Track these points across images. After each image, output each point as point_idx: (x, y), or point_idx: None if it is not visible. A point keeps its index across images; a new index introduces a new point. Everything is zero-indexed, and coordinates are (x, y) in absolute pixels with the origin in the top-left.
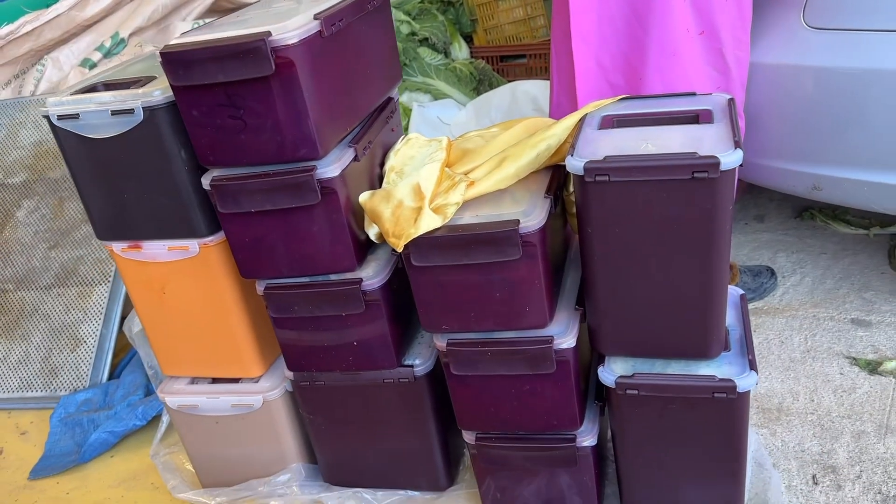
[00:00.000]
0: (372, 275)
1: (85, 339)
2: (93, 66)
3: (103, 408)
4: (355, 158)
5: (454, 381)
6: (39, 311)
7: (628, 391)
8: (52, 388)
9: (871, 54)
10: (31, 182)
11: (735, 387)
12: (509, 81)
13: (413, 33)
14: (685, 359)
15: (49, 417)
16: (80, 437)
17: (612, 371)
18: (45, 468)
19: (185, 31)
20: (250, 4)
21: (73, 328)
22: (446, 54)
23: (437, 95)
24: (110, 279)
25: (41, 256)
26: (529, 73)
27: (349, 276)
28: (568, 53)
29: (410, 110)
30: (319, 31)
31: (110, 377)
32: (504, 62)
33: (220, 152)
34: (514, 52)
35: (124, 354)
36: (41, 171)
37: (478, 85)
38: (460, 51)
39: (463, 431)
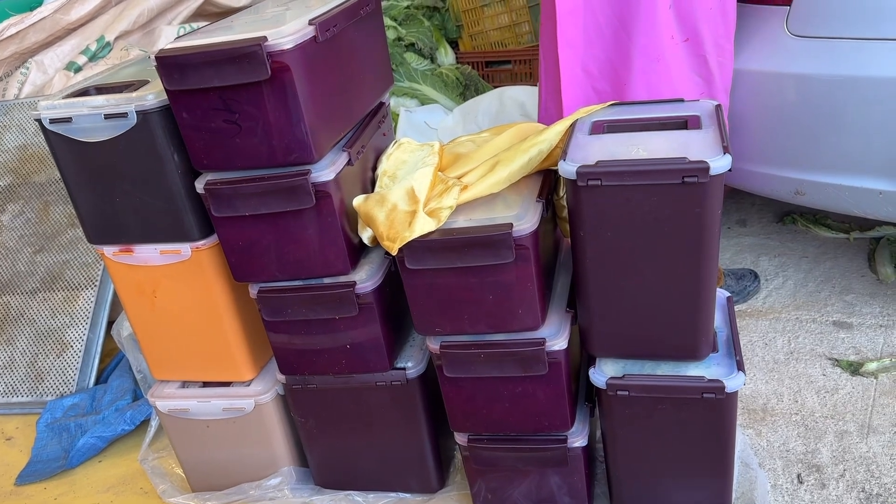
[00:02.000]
0: (365, 278)
1: (71, 343)
2: (78, 69)
3: (91, 413)
4: (349, 162)
5: (447, 384)
6: (25, 316)
7: (619, 392)
8: (37, 393)
9: (852, 62)
10: (15, 186)
11: (724, 387)
12: (495, 87)
13: (399, 38)
14: (675, 360)
15: (35, 423)
16: (67, 442)
17: (602, 372)
18: (33, 474)
19: (179, 36)
20: (236, 9)
21: (59, 333)
22: (432, 60)
23: (424, 100)
24: (97, 283)
25: (26, 261)
26: (514, 79)
27: (343, 279)
28: (555, 59)
29: (397, 115)
30: (314, 36)
31: (97, 382)
32: (489, 68)
33: (215, 156)
34: (500, 58)
35: (110, 359)
36: (26, 175)
37: (464, 90)
38: (446, 56)
39: (455, 433)
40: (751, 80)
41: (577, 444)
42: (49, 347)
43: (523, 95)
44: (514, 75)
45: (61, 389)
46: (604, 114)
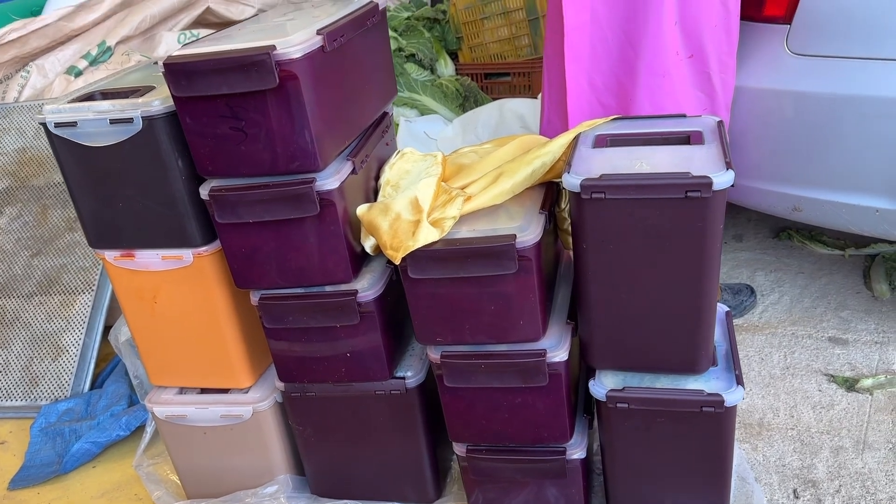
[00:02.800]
0: (367, 287)
1: (67, 348)
2: (78, 73)
3: (85, 418)
4: (353, 171)
5: (447, 393)
6: (21, 320)
7: (619, 404)
8: (32, 397)
9: (851, 81)
10: (13, 189)
11: (723, 401)
12: (493, 99)
13: (400, 49)
14: (674, 373)
15: (29, 427)
16: (61, 447)
17: (602, 384)
18: (26, 478)
19: (186, 43)
20: (236, 20)
21: (55, 337)
22: (432, 70)
23: (424, 111)
24: (94, 288)
25: (23, 264)
26: (513, 91)
27: (344, 287)
28: (560, 73)
29: (397, 125)
30: (322, 46)
31: (92, 387)
32: (488, 80)
33: (220, 163)
34: (499, 70)
35: (106, 364)
36: (24, 179)
37: (463, 101)
38: (446, 67)
39: (453, 443)
40: (751, 97)
41: (575, 456)
42: (44, 351)
43: (523, 108)
44: (513, 87)
45: (56, 394)
46: (607, 128)
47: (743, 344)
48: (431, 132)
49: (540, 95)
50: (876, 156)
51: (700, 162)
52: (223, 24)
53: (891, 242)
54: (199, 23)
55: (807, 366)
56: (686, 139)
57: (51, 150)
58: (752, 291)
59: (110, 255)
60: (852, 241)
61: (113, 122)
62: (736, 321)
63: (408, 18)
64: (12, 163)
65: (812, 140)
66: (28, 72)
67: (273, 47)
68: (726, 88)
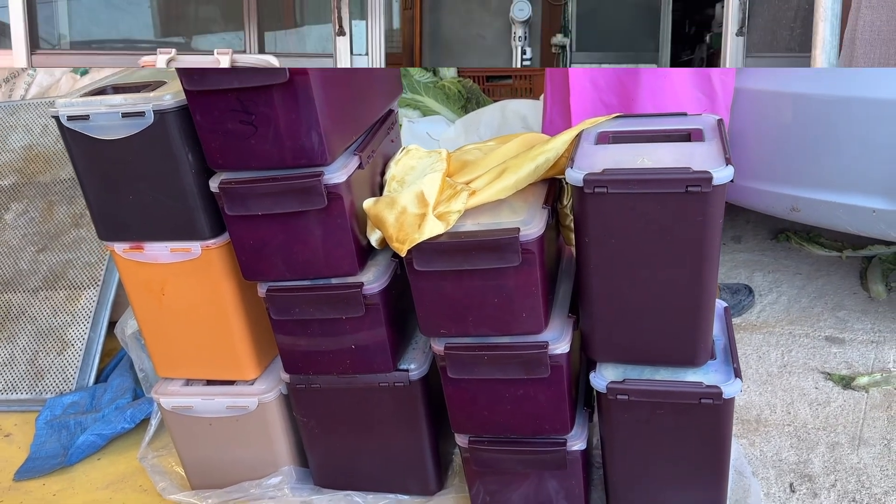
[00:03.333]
0: (372, 279)
1: (72, 342)
2: (84, 72)
3: (90, 410)
4: (360, 166)
5: (450, 385)
6: (26, 314)
7: (619, 396)
8: (37, 390)
9: (848, 83)
10: (20, 185)
11: (721, 393)
12: (495, 101)
13: None
14: (674, 366)
15: (34, 420)
16: (66, 439)
17: (603, 377)
18: (31, 469)
19: None
20: None
21: (60, 331)
22: (435, 72)
23: (426, 112)
24: (99, 283)
25: (29, 259)
26: (514, 94)
27: (350, 280)
28: (563, 72)
29: (400, 125)
30: None
31: (97, 381)
32: (490, 82)
33: (230, 156)
34: (500, 73)
35: (110, 359)
36: (31, 175)
37: (465, 103)
38: (448, 69)
39: (456, 435)
40: (750, 98)
41: (575, 448)
42: (50, 345)
43: (525, 108)
44: (514, 90)
45: (61, 387)
46: (609, 125)
47: (741, 342)
48: (434, 133)
49: (542, 95)
50: (873, 157)
51: (700, 158)
52: None
53: (887, 244)
54: None
55: (804, 364)
56: (687, 136)
57: (57, 147)
58: (751, 291)
59: (119, 248)
60: (849, 243)
61: (125, 115)
62: (734, 320)
63: None
64: (19, 159)
65: (810, 141)
66: (35, 70)
67: None
68: (726, 90)
